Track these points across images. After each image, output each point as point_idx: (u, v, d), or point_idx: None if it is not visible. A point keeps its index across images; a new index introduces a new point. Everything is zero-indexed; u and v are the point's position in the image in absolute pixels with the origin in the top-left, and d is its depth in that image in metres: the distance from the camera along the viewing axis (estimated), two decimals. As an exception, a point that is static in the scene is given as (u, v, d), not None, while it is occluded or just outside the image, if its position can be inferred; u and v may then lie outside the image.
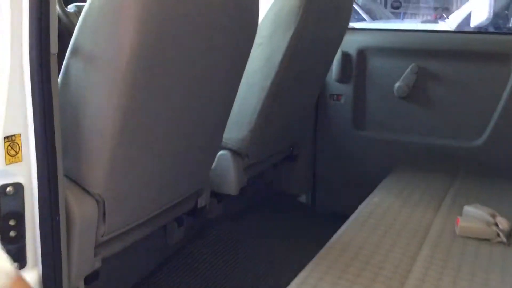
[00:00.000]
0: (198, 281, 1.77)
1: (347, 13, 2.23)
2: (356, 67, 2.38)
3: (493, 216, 1.55)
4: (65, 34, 1.70)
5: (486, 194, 1.86)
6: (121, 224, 1.38)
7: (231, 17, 1.45)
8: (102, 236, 1.32)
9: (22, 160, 1.06)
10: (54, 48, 1.05)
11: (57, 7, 1.70)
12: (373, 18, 6.72)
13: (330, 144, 2.50)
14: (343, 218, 1.63)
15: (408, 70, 2.28)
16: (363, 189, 1.90)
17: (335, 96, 2.44)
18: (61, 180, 1.14)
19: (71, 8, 1.90)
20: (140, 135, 1.31)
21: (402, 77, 2.29)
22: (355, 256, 1.36)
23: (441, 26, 5.78)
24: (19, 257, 1.08)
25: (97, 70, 1.20)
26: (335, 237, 1.48)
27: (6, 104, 1.01)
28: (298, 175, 2.56)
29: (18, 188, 1.06)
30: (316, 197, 2.60)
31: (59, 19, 1.79)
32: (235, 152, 1.94)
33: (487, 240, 1.51)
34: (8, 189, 1.04)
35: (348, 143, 2.46)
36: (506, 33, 4.27)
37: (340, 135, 2.46)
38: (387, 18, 7.36)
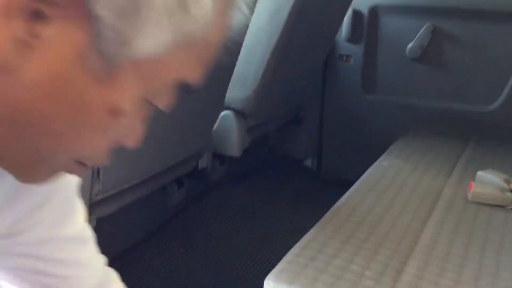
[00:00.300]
0: (199, 244, 1.72)
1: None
2: (367, 26, 2.27)
3: (508, 182, 1.48)
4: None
5: (500, 159, 1.78)
6: (117, 183, 1.32)
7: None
8: (96, 195, 1.26)
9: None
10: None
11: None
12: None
13: (337, 107, 2.41)
14: (349, 184, 1.55)
15: (422, 29, 2.17)
16: (370, 154, 1.82)
17: (344, 57, 2.34)
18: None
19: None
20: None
21: (416, 37, 2.18)
22: (362, 221, 1.29)
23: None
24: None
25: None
26: (341, 201, 1.41)
27: None
28: (304, 139, 2.49)
29: None
30: (321, 162, 2.53)
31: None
32: (238, 112, 1.86)
33: (501, 206, 1.44)
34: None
35: (356, 107, 2.37)
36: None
37: (349, 98, 2.37)
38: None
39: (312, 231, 1.23)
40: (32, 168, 0.43)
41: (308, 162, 2.56)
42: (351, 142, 2.41)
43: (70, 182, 0.61)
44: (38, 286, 0.62)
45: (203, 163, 1.72)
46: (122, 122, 0.41)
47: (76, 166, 0.44)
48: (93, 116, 0.39)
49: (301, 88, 2.27)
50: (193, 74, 0.42)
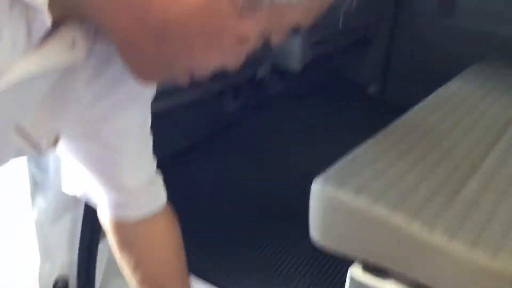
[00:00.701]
0: (252, 153, 1.70)
1: None
2: None
3: None
4: None
5: None
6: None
7: None
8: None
9: None
10: None
11: None
12: None
13: (409, 31, 2.25)
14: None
15: None
16: (440, 83, 1.69)
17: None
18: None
19: None
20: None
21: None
22: (423, 137, 1.22)
23: None
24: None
25: None
26: (403, 116, 1.33)
27: None
28: (369, 63, 2.37)
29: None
30: (386, 89, 2.41)
31: None
32: (302, 24, 1.77)
33: None
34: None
35: (430, 31, 2.21)
36: None
37: (422, 21, 2.21)
38: None
39: (368, 142, 1.17)
40: (153, 70, 0.52)
41: (372, 88, 2.46)
42: (420, 69, 2.27)
43: (150, 90, 0.71)
44: (98, 169, 0.73)
45: (261, 72, 1.67)
46: (240, 49, 0.49)
47: (184, 75, 0.53)
48: (225, 40, 0.47)
49: (372, 5, 2.13)
50: (307, 21, 0.50)
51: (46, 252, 1.17)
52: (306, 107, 2.07)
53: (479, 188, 1.02)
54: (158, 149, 1.52)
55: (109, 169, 0.73)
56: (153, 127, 1.38)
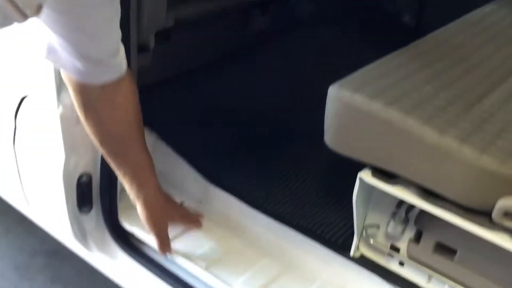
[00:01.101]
0: (276, 71, 1.69)
1: None
2: None
3: None
4: None
5: None
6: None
7: None
8: (175, -7, 1.24)
9: None
10: None
11: None
12: None
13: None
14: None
15: None
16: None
17: None
18: None
19: None
20: None
21: None
22: (446, 55, 1.19)
23: None
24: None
25: None
26: (432, 33, 1.30)
27: None
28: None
29: None
30: (422, 19, 2.33)
31: None
32: None
33: None
34: None
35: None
36: None
37: None
38: None
39: (390, 54, 1.16)
40: None
41: (407, 18, 2.37)
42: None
43: None
44: (69, 39, 0.82)
45: (289, -11, 1.64)
46: None
47: None
48: None
49: None
50: None
51: (71, 148, 1.21)
52: (335, 31, 2.02)
53: (497, 103, 1.01)
54: (183, 60, 1.53)
55: (78, 38, 0.82)
56: (177, 37, 1.39)
